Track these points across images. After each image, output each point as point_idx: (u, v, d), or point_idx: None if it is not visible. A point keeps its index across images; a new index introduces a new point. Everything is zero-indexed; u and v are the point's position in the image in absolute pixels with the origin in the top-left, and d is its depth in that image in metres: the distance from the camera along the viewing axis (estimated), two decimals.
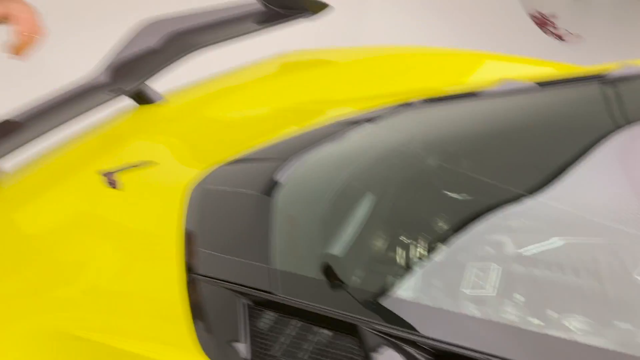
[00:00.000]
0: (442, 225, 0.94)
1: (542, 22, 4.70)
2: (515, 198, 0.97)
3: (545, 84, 1.13)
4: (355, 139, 1.08)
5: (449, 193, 1.01)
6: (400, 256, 0.85)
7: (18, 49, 1.00)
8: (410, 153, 1.05)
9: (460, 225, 0.94)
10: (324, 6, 1.66)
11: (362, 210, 0.92)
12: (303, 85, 1.51)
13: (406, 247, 0.87)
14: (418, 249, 0.86)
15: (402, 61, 1.59)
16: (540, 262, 0.90)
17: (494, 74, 1.44)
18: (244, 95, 1.50)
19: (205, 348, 0.68)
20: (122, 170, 1.13)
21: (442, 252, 0.89)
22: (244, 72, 1.60)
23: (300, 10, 1.64)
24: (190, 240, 0.88)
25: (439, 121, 1.12)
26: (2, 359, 0.72)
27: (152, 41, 1.49)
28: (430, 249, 0.87)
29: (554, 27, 4.73)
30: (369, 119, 1.13)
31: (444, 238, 0.91)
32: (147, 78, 1.41)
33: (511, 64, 1.59)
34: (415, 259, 0.85)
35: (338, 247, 0.83)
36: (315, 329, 0.67)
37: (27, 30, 0.99)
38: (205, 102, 1.47)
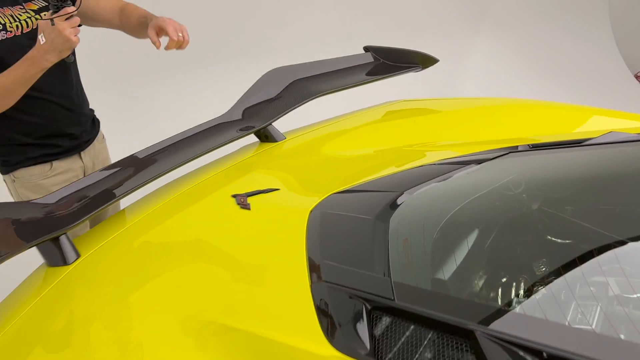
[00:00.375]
0: (542, 265, 0.99)
1: None
2: (618, 244, 1.00)
3: None
4: (462, 177, 1.17)
5: (550, 236, 1.06)
6: (499, 279, 0.92)
7: (172, 46, 1.40)
8: (513, 195, 1.13)
9: (560, 265, 0.98)
10: (434, 61, 1.80)
11: (466, 241, 1.01)
12: (407, 130, 1.64)
13: (505, 276, 0.94)
14: (516, 279, 0.92)
15: (503, 112, 1.67)
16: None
17: (596, 127, 1.49)
18: (354, 137, 1.65)
19: (331, 340, 0.80)
20: (251, 195, 1.31)
21: (541, 288, 0.94)
22: (355, 117, 1.76)
23: (410, 64, 1.80)
24: (312, 252, 1.01)
25: (544, 166, 1.19)
26: (171, 342, 0.88)
27: (277, 87, 1.71)
28: (528, 283, 0.93)
29: None
30: (475, 161, 1.23)
31: (543, 276, 0.96)
32: (274, 120, 1.60)
33: (614, 118, 1.62)
34: (512, 287, 0.91)
35: (446, 269, 0.92)
36: (429, 332, 0.76)
37: (176, 33, 1.39)
38: (320, 142, 1.64)
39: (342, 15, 3.98)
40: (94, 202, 1.22)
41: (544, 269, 0.91)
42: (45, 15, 1.39)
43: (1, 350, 0.97)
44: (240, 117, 1.60)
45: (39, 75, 1.31)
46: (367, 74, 1.78)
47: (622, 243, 0.98)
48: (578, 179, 1.12)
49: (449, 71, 3.72)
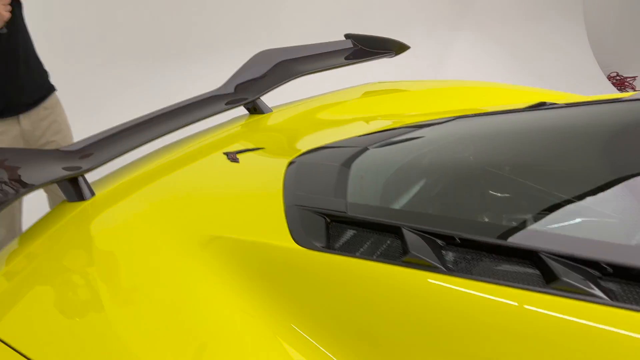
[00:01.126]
0: (447, 175, 1.20)
1: (621, 83, 4.82)
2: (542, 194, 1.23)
3: (573, 104, 1.41)
4: (414, 135, 1.41)
5: (492, 190, 1.29)
6: (420, 196, 1.16)
7: None
8: (450, 145, 1.37)
9: (468, 175, 1.18)
10: (405, 48, 2.04)
11: (404, 175, 1.25)
12: (380, 105, 1.88)
13: (422, 192, 1.17)
14: (429, 192, 1.15)
15: (462, 91, 1.91)
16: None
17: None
18: (333, 110, 1.88)
19: (298, 241, 1.02)
20: (240, 152, 1.54)
21: (444, 193, 1.15)
22: (335, 94, 2.00)
23: (385, 50, 2.04)
24: (287, 186, 1.24)
25: (483, 125, 1.42)
26: (180, 255, 1.10)
27: (265, 66, 1.94)
28: (437, 191, 1.14)
29: (633, 88, 4.82)
30: (428, 124, 1.46)
31: (448, 185, 1.18)
32: (262, 94, 1.84)
33: (559, 99, 1.85)
34: (425, 198, 1.13)
35: (387, 192, 1.16)
36: (370, 232, 0.99)
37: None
38: (303, 114, 1.87)
39: (332, 15, 4.25)
40: (108, 152, 1.45)
41: (449, 179, 1.15)
42: None
43: (22, 269, 1.18)
44: (232, 90, 1.83)
45: None
46: (346, 58, 2.02)
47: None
48: (508, 131, 1.36)
49: (428, 63, 3.98)
